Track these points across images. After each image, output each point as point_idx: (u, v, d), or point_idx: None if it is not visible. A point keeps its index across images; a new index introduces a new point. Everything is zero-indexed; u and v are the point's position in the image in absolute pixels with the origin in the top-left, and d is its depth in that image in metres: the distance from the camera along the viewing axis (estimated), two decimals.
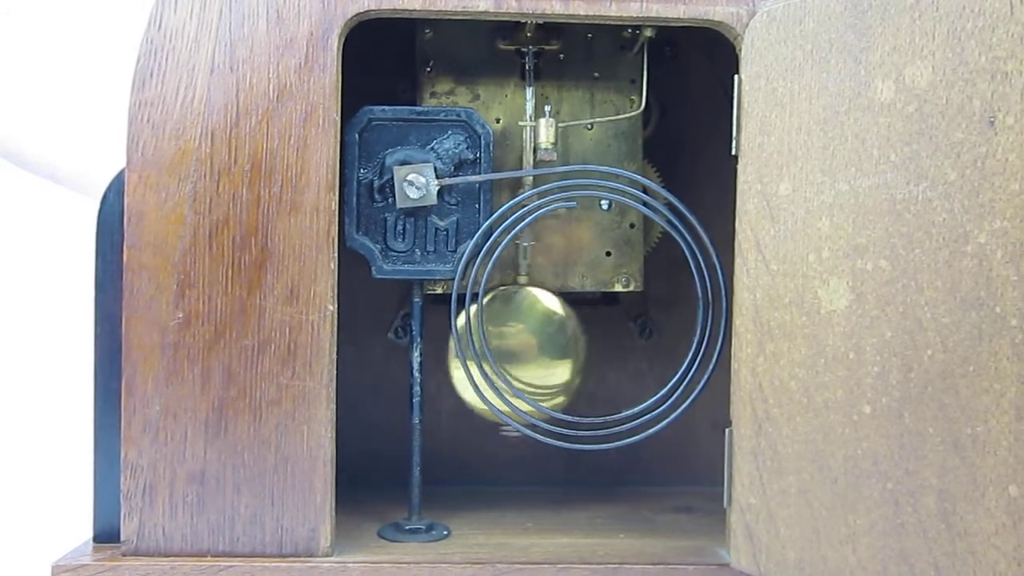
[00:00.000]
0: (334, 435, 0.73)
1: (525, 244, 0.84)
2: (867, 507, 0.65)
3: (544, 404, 0.82)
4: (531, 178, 0.82)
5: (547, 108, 0.82)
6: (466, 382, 0.79)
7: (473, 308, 0.81)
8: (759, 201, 0.70)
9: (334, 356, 0.73)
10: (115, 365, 0.73)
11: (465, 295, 0.78)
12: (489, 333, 0.82)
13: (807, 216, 0.68)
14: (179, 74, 0.72)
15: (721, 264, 0.76)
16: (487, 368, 0.79)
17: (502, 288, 0.84)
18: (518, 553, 0.76)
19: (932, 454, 0.62)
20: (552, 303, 0.84)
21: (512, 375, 0.82)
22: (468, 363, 0.79)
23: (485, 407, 0.80)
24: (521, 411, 0.79)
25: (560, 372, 0.84)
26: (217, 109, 0.72)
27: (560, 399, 0.84)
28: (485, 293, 0.80)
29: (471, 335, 0.79)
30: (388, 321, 0.96)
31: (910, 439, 0.63)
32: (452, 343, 0.82)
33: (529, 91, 0.82)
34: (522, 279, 0.85)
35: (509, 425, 0.80)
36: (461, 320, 0.80)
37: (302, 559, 0.72)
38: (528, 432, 0.79)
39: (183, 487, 0.72)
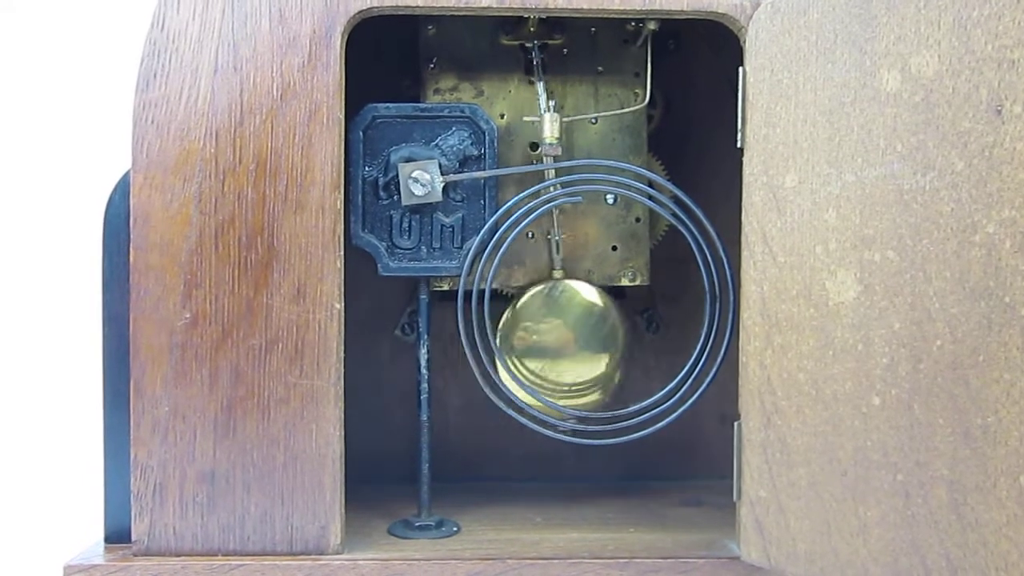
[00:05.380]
0: (343, 433, 0.73)
1: (556, 239, 0.83)
2: (877, 499, 0.65)
3: (584, 400, 0.82)
4: (534, 172, 0.81)
5: (551, 103, 0.81)
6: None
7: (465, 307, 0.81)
8: (765, 193, 0.70)
9: (342, 354, 0.73)
10: (123, 366, 0.73)
11: (472, 291, 0.78)
12: (528, 330, 0.82)
13: (814, 208, 0.67)
14: (183, 74, 0.72)
15: (728, 257, 0.76)
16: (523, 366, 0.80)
17: (540, 286, 0.83)
18: (528, 548, 0.76)
19: (942, 445, 0.62)
20: (591, 295, 0.84)
21: (553, 372, 0.82)
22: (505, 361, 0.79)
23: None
24: (532, 408, 0.79)
25: (598, 365, 0.83)
26: (221, 109, 0.72)
27: (596, 395, 0.84)
28: (521, 293, 0.81)
29: (477, 333, 0.79)
30: (395, 318, 0.96)
31: (920, 430, 0.63)
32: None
33: (540, 86, 0.82)
34: (557, 273, 0.84)
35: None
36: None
37: (313, 557, 0.73)
38: (537, 427, 0.79)
39: (193, 487, 0.72)
